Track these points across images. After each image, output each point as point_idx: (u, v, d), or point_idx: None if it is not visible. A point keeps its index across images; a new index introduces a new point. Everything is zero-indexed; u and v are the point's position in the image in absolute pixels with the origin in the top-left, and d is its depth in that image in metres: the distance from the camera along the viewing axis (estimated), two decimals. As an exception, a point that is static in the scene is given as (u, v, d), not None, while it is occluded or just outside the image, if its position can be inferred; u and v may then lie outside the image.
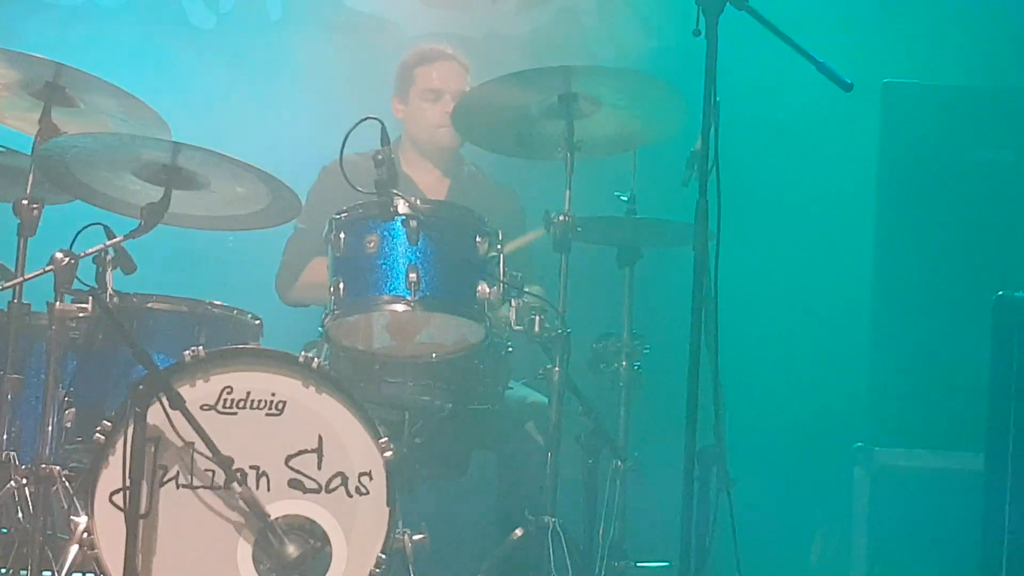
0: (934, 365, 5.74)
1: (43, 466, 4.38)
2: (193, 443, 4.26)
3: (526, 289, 4.81)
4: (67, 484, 4.40)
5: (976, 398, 5.07)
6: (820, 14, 6.13)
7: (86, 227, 4.43)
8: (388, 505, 4.34)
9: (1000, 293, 5.02)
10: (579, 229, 4.90)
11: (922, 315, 5.80)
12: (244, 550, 4.28)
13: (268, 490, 4.31)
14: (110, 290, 4.44)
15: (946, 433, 5.65)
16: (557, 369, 4.81)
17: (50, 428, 4.42)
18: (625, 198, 5.25)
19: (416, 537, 4.49)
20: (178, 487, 4.28)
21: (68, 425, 4.51)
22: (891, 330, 5.84)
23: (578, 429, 4.91)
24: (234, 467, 4.25)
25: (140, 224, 4.50)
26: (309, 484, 4.33)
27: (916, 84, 6.00)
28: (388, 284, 4.59)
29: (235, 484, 4.25)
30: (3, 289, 4.51)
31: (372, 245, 4.60)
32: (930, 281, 5.81)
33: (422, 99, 5.83)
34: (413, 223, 4.59)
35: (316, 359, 4.41)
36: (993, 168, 5.88)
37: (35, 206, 4.56)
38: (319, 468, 4.34)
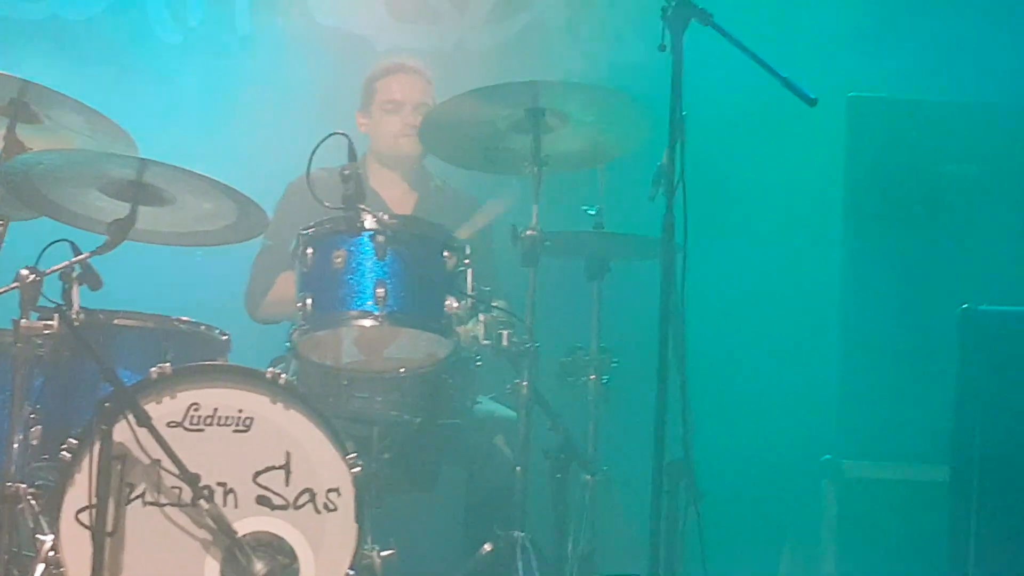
0: (901, 378, 5.76)
1: (8, 484, 4.33)
2: (160, 460, 4.24)
3: (494, 303, 4.81)
4: (33, 502, 4.36)
5: (943, 410, 5.10)
6: (785, 29, 6.16)
7: (52, 244, 4.40)
8: (356, 521, 4.33)
9: (965, 306, 5.05)
10: (547, 243, 4.91)
11: (889, 328, 5.82)
12: (212, 567, 4.27)
13: (236, 507, 4.29)
14: (76, 307, 4.42)
15: (913, 445, 5.67)
16: (525, 383, 4.82)
17: (16, 446, 4.37)
18: (592, 212, 5.27)
19: (385, 553, 4.50)
20: (145, 504, 4.27)
21: (34, 443, 4.47)
22: (859, 343, 5.86)
23: (547, 443, 4.92)
24: (201, 484, 4.24)
25: (106, 240, 4.48)
26: (277, 501, 4.32)
27: (881, 98, 6.02)
28: (356, 299, 4.59)
29: (202, 501, 4.23)
30: (-32, 306, 4.48)
31: (339, 260, 4.60)
32: (897, 294, 5.84)
33: (383, 110, 5.85)
34: (380, 238, 4.59)
35: (283, 375, 4.40)
36: (958, 182, 5.91)
37: (0, 223, 4.54)
38: (287, 484, 4.33)
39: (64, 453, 4.25)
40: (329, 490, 4.34)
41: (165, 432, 4.24)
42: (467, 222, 5.40)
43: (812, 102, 4.27)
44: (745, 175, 6.34)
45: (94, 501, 4.14)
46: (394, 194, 5.87)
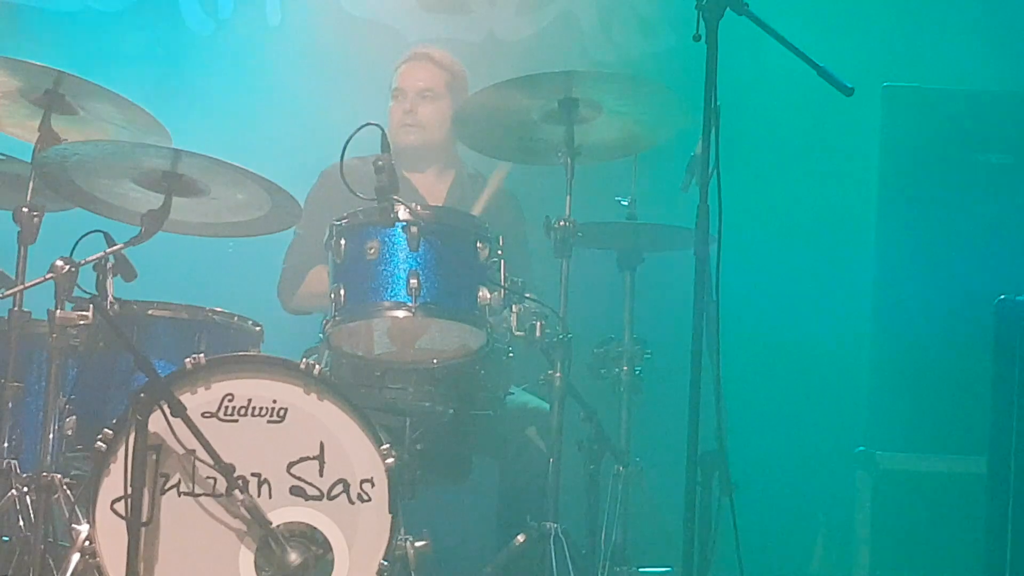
0: (936, 369, 5.74)
1: (44, 474, 4.37)
2: (194, 450, 4.24)
3: (527, 295, 4.80)
4: (68, 492, 4.39)
5: (978, 401, 5.07)
6: (820, 18, 6.14)
7: (86, 234, 4.41)
8: (390, 512, 4.33)
9: (1002, 297, 5.02)
10: (580, 234, 4.90)
11: (924, 319, 5.80)
12: (246, 558, 4.27)
13: (270, 497, 4.29)
14: (111, 297, 4.43)
15: (948, 437, 5.65)
16: (558, 374, 4.81)
17: (51, 436, 4.41)
18: (626, 203, 5.26)
19: (418, 544, 4.48)
20: (180, 495, 4.27)
21: (69, 433, 4.50)
22: (893, 334, 5.84)
23: (580, 434, 4.92)
24: (235, 474, 4.24)
25: (140, 231, 4.49)
26: (311, 491, 4.32)
27: (916, 88, 6.00)
28: (389, 290, 4.59)
29: (236, 491, 4.23)
30: (4, 297, 4.51)
31: (373, 251, 4.60)
32: (932, 285, 5.81)
33: (391, 98, 5.84)
34: (414, 229, 4.58)
35: (317, 365, 4.40)
36: (993, 172, 5.89)
37: (35, 214, 4.56)
38: (321, 475, 4.33)
39: (99, 443, 4.26)
40: (363, 480, 4.33)
41: (199, 422, 4.24)
42: (484, 191, 5.38)
43: (848, 91, 4.24)
44: (780, 165, 6.33)
45: (129, 491, 4.14)
46: (423, 182, 5.85)
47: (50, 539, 4.37)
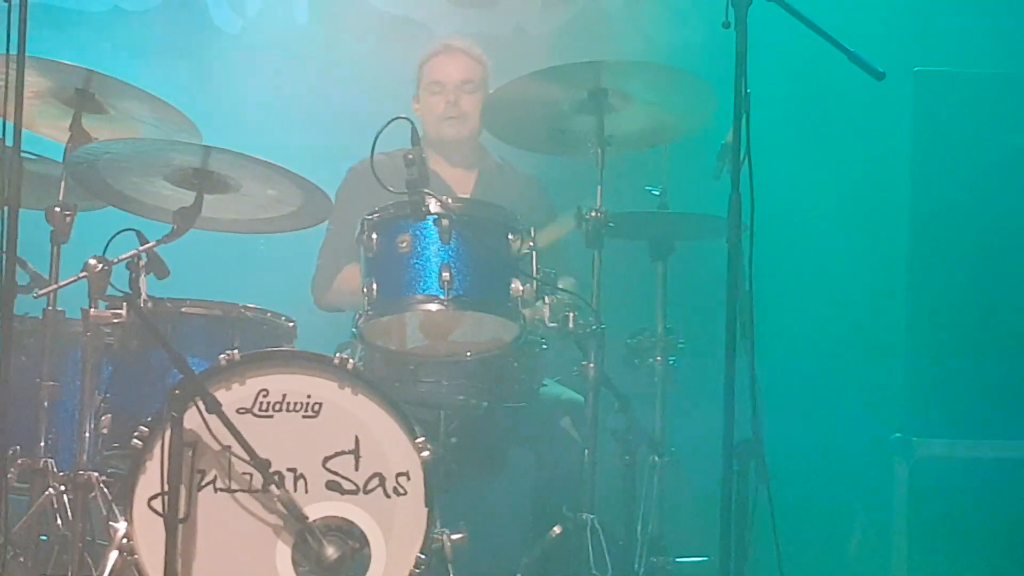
0: (972, 354, 5.71)
1: (81, 472, 4.40)
2: (230, 446, 4.26)
3: (560, 286, 4.79)
4: (105, 490, 4.42)
5: (1015, 386, 5.04)
6: (850, 3, 6.10)
7: (119, 233, 4.43)
8: (426, 505, 4.33)
9: (1037, 281, 5.00)
10: (611, 224, 4.90)
11: (959, 303, 5.77)
12: (283, 553, 4.28)
13: (306, 492, 4.30)
14: (144, 295, 4.45)
15: (985, 422, 5.63)
16: (592, 365, 4.80)
17: (87, 434, 4.44)
18: (657, 192, 5.25)
19: (455, 536, 4.48)
20: (216, 491, 4.29)
21: (105, 431, 4.52)
22: (928, 319, 5.82)
23: (614, 425, 4.91)
24: (271, 470, 4.25)
25: (172, 229, 4.51)
26: (347, 485, 4.33)
27: (948, 72, 5.97)
28: (421, 284, 4.59)
29: (273, 487, 4.24)
30: (38, 296, 4.53)
31: (405, 245, 4.60)
32: (966, 269, 5.79)
33: (428, 92, 5.82)
34: (445, 222, 4.58)
35: (351, 360, 4.40)
36: (1026, 155, 5.87)
37: (68, 213, 4.58)
38: (356, 469, 4.33)
39: (135, 441, 4.27)
40: (398, 474, 4.34)
41: (235, 419, 4.25)
42: (543, 231, 5.35)
43: (880, 76, 4.22)
44: (811, 152, 6.29)
45: (166, 488, 4.15)
46: (452, 175, 5.85)
47: (88, 537, 4.40)
